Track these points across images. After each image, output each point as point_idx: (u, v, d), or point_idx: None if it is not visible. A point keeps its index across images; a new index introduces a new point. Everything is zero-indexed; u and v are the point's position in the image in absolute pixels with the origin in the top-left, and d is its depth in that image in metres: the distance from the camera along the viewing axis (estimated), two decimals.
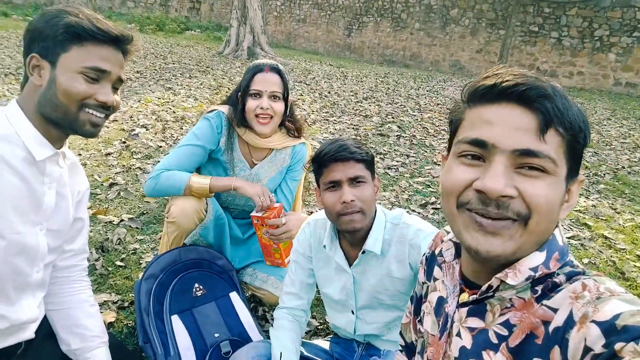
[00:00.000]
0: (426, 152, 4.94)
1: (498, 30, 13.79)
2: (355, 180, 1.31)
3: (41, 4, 17.58)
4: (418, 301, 1.03)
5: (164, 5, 18.83)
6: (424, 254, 1.02)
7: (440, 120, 6.64)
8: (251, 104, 1.78)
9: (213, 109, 1.89)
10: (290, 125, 1.96)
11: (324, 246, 1.44)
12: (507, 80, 0.66)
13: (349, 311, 1.50)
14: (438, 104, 7.97)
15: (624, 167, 5.06)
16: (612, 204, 3.91)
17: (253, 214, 1.74)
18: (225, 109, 1.87)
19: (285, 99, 1.85)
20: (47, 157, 1.11)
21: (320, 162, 1.34)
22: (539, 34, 13.27)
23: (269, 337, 1.50)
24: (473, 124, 0.70)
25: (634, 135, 6.78)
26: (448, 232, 0.95)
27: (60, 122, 1.10)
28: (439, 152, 4.94)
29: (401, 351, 1.17)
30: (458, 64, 14.71)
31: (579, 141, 0.67)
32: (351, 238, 1.40)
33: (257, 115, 1.78)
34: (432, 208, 3.44)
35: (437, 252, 0.95)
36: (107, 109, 1.13)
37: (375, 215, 1.39)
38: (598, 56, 12.58)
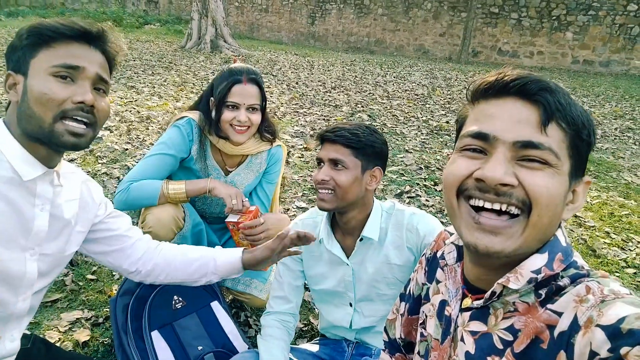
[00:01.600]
0: (397, 140, 4.95)
1: (460, 13, 13.95)
2: (335, 163, 1.32)
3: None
4: (415, 301, 1.01)
5: (120, 0, 18.16)
6: (424, 254, 1.01)
7: (409, 107, 6.68)
8: (227, 115, 1.71)
9: (183, 115, 1.81)
10: (266, 133, 1.90)
11: (320, 240, 1.44)
12: (508, 75, 0.68)
13: (346, 304, 1.50)
14: (406, 90, 8.01)
15: None
16: None
17: (228, 219, 1.69)
18: (195, 115, 1.79)
19: (263, 108, 1.79)
20: (37, 177, 1.03)
21: (319, 139, 1.40)
22: (499, 15, 13.50)
23: (254, 345, 1.46)
24: (476, 119, 0.72)
25: (594, 112, 7.00)
26: (451, 234, 0.95)
27: (38, 135, 1.00)
28: (409, 140, 4.97)
29: (384, 350, 1.17)
30: (422, 48, 14.83)
31: (582, 138, 0.67)
32: (343, 225, 1.41)
33: (232, 125, 1.72)
34: (408, 197, 3.46)
35: (439, 254, 0.94)
36: (89, 112, 1.01)
37: (372, 205, 1.42)
38: (556, 35, 12.92)
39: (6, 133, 1.01)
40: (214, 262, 1.35)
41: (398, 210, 1.42)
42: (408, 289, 1.06)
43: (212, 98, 1.76)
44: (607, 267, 2.65)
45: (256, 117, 1.75)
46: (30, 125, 0.99)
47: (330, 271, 1.48)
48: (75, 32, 1.01)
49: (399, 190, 3.54)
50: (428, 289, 0.95)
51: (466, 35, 13.27)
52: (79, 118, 1.00)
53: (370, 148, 1.35)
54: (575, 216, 3.31)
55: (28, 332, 1.28)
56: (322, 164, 1.36)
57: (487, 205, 0.67)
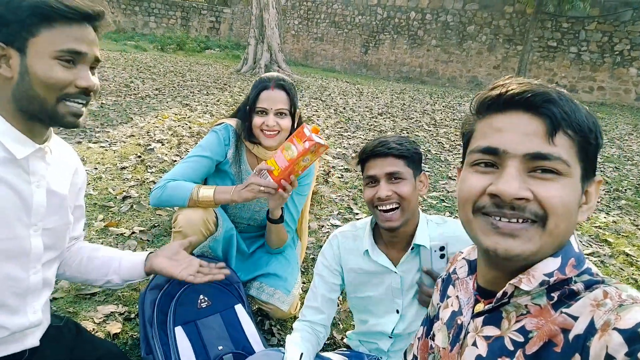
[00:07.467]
0: (441, 166, 4.88)
1: (515, 46, 13.73)
2: (392, 176, 1.32)
3: None
4: (430, 323, 1.03)
5: (185, 26, 19.32)
6: (440, 277, 1.03)
7: (456, 135, 6.58)
8: (257, 120, 1.78)
9: (221, 121, 1.90)
10: None
11: (366, 251, 1.44)
12: (512, 89, 0.69)
13: (393, 311, 1.48)
14: (454, 120, 7.92)
15: None
16: (634, 220, 3.78)
17: (315, 139, 1.51)
18: (233, 122, 1.88)
19: (292, 114, 1.84)
20: (29, 154, 1.04)
21: (362, 158, 1.38)
22: (557, 49, 13.16)
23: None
24: (484, 133, 0.72)
25: None
26: (461, 253, 0.98)
27: (38, 114, 1.01)
28: (454, 167, 4.89)
29: None
30: (475, 80, 14.65)
31: (589, 142, 0.68)
32: (390, 237, 1.41)
33: (262, 130, 1.79)
34: None
35: (451, 270, 0.97)
36: (88, 94, 1.04)
37: (419, 214, 1.41)
38: (619, 71, 12.40)
39: None
40: (118, 262, 1.35)
41: (452, 222, 1.42)
42: (426, 314, 1.07)
43: (247, 107, 1.84)
44: None
45: (285, 123, 1.80)
46: (31, 105, 0.99)
47: (374, 279, 1.47)
48: (78, 15, 0.99)
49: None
50: (439, 307, 0.96)
51: (521, 69, 13.00)
52: (79, 100, 1.03)
53: (416, 155, 1.36)
54: (626, 254, 3.11)
55: (62, 315, 1.36)
56: (374, 182, 1.34)
57: (504, 220, 0.68)
